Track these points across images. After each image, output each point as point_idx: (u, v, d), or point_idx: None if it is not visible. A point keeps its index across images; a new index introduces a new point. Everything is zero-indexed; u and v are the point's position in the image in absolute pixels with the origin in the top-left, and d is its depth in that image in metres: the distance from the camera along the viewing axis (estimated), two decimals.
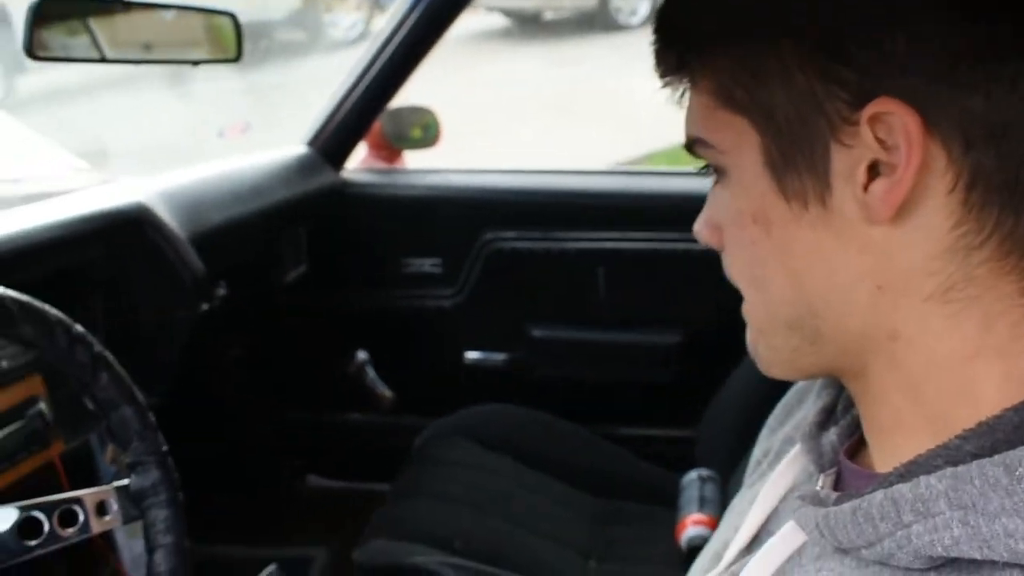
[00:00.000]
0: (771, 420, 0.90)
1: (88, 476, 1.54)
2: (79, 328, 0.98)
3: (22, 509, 0.96)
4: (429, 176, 2.38)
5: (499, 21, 9.91)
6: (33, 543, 0.97)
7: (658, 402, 2.21)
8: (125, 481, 1.03)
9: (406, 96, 2.24)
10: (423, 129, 2.35)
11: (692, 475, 1.74)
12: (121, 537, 1.61)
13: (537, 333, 2.24)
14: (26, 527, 0.96)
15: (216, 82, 6.79)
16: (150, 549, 1.02)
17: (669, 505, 1.73)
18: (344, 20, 9.12)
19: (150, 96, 6.73)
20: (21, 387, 1.41)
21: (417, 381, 2.36)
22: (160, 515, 1.03)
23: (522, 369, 2.28)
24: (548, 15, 9.84)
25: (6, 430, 1.35)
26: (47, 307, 0.95)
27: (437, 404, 2.16)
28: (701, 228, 0.68)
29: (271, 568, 1.65)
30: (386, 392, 2.33)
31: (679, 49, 0.64)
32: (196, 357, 1.80)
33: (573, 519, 1.81)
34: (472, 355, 2.31)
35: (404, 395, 2.36)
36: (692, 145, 0.65)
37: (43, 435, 1.40)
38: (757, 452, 0.89)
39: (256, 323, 2.25)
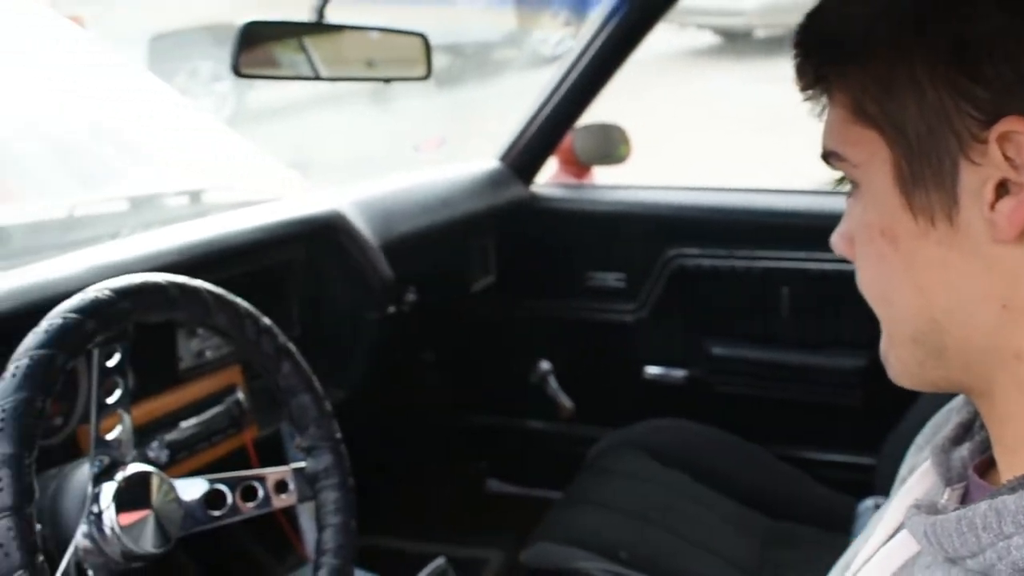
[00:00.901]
0: (919, 438, 0.89)
1: (277, 462, 1.65)
2: (266, 321, 1.08)
3: (211, 482, 1.07)
4: (616, 192, 2.41)
5: (710, 39, 9.84)
6: (217, 513, 1.07)
7: (838, 426, 2.16)
8: (302, 463, 1.12)
9: (607, 112, 2.28)
10: (613, 146, 2.39)
11: (869, 502, 1.70)
12: (305, 520, 1.73)
13: (717, 351, 2.24)
14: (212, 498, 1.06)
15: (418, 99, 7.06)
16: (320, 527, 1.11)
17: (843, 531, 1.69)
18: (552, 37, 9.28)
19: (355, 112, 7.06)
20: (222, 375, 1.55)
21: (596, 392, 2.39)
22: (331, 497, 1.11)
23: (701, 386, 2.27)
24: (759, 33, 9.70)
25: (207, 413, 1.48)
26: (239, 300, 1.05)
27: (615, 416, 2.19)
28: (837, 240, 0.69)
29: (439, 561, 1.72)
30: (566, 402, 2.38)
31: (817, 62, 0.65)
32: (388, 358, 1.90)
33: (742, 538, 1.80)
34: (652, 370, 2.33)
35: (583, 405, 2.39)
36: (828, 157, 0.67)
37: (239, 420, 1.53)
38: (903, 469, 0.89)
39: (444, 329, 2.34)
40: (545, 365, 2.41)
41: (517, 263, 2.34)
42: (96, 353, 0.96)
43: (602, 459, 2.01)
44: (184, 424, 1.45)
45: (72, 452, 1.24)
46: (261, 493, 1.09)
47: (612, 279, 2.32)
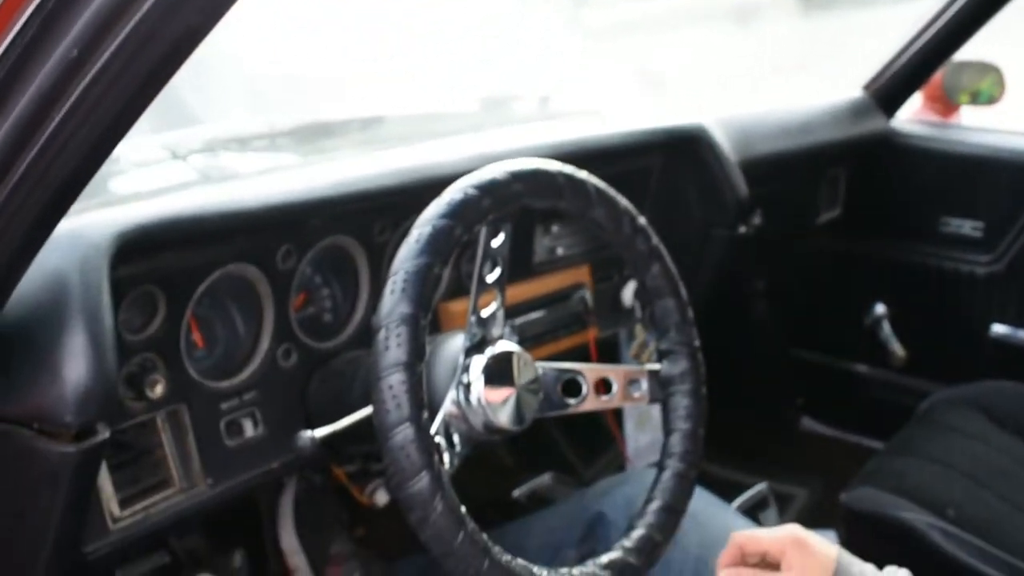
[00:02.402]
0: None
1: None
2: (642, 220, 1.10)
3: (567, 370, 1.11)
4: (984, 135, 2.24)
5: None
6: (572, 401, 1.11)
7: None
8: (657, 365, 1.14)
9: (979, 52, 2.13)
10: (985, 86, 2.22)
11: None
12: (630, 426, 1.77)
13: None
14: (569, 387, 1.10)
15: (783, 22, 6.81)
16: (668, 431, 1.13)
17: None
18: None
19: (714, 31, 6.90)
20: (571, 273, 1.60)
21: (932, 344, 2.26)
22: (682, 402, 1.12)
23: None
24: None
25: (555, 308, 1.54)
26: (619, 197, 1.08)
27: (950, 371, 2.08)
28: None
29: (761, 487, 1.73)
30: (899, 350, 2.27)
31: None
32: (724, 279, 1.89)
33: None
34: (999, 329, 2.17)
35: (916, 356, 2.28)
36: None
37: (583, 318, 1.58)
38: None
39: (783, 259, 2.29)
40: (880, 309, 2.31)
41: (866, 199, 2.24)
42: (483, 231, 1.01)
43: (934, 413, 1.92)
44: (534, 315, 1.51)
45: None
46: (615, 388, 1.12)
47: (968, 227, 2.17)
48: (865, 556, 1.42)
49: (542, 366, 1.07)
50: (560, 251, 1.61)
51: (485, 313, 1.04)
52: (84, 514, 1.02)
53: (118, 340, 1.00)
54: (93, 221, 1.00)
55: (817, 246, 2.31)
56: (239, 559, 1.61)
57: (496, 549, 0.92)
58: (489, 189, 0.97)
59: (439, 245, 0.93)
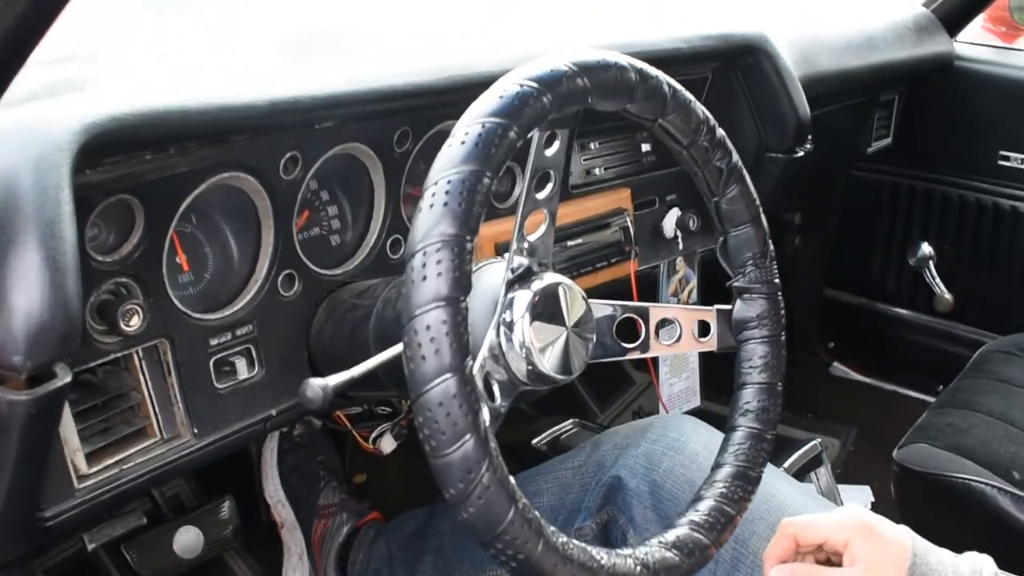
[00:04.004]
0: None
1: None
2: (721, 132, 0.91)
3: (623, 309, 0.93)
4: None
5: None
6: (629, 345, 0.94)
7: None
8: (727, 306, 0.96)
9: None
10: None
11: None
12: (665, 371, 1.60)
13: None
14: (624, 329, 0.92)
15: None
16: (740, 384, 0.95)
17: None
18: None
19: None
20: (611, 197, 1.41)
21: (984, 290, 2.11)
22: (759, 351, 0.95)
23: None
24: None
25: (593, 236, 1.35)
26: (697, 103, 0.88)
27: (1002, 320, 1.96)
28: None
29: (814, 442, 1.56)
30: (945, 294, 2.11)
31: None
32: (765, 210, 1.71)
33: None
34: None
35: (965, 302, 2.11)
36: None
37: (623, 249, 1.39)
38: None
39: (820, 190, 2.11)
40: (927, 249, 2.14)
41: (920, 127, 2.08)
42: (536, 137, 0.82)
43: (989, 364, 1.78)
44: (570, 243, 1.32)
45: None
46: (678, 331, 0.95)
47: None
48: (918, 518, 1.27)
49: (594, 304, 0.89)
50: (598, 172, 1.41)
51: (532, 237, 0.86)
52: (42, 472, 0.83)
53: (85, 262, 0.80)
54: (53, 112, 0.80)
55: (861, 178, 2.14)
56: (227, 510, 1.44)
57: (551, 530, 0.74)
58: (550, 83, 0.77)
59: (491, 150, 0.73)
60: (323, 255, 1.11)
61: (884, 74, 1.85)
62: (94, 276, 0.87)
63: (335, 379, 0.77)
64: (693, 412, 1.60)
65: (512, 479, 0.72)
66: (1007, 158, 2.02)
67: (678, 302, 1.53)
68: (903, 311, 2.24)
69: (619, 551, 0.79)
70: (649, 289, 1.50)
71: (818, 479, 1.49)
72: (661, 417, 1.24)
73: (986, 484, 1.43)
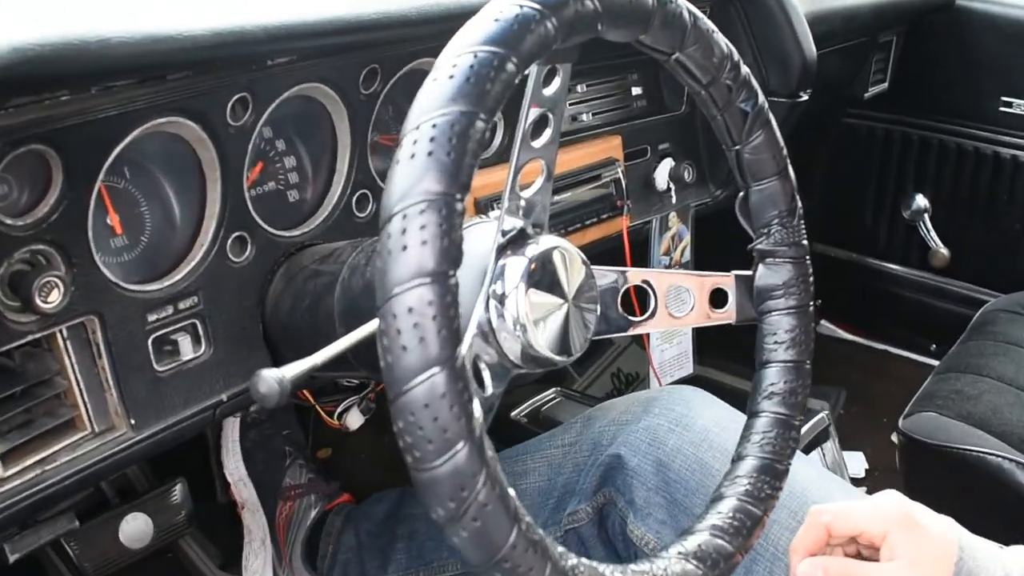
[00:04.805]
0: None
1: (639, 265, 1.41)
2: (746, 70, 0.77)
3: (627, 276, 0.80)
4: None
5: None
6: (636, 319, 0.82)
7: None
8: (747, 271, 0.83)
9: None
10: None
11: None
12: (655, 338, 1.48)
13: None
14: (629, 298, 0.80)
15: None
16: (763, 362, 0.83)
17: None
18: None
19: None
20: (599, 146, 1.28)
21: (982, 245, 2.01)
22: (784, 323, 0.82)
23: None
24: None
25: (582, 189, 1.22)
26: (720, 34, 0.75)
27: (999, 276, 1.87)
28: None
29: (822, 414, 1.46)
30: (941, 248, 2.01)
31: None
32: None
33: None
34: None
35: (961, 258, 2.02)
36: None
37: (615, 203, 1.26)
38: None
39: (813, 137, 1.99)
40: (922, 201, 2.04)
41: (918, 72, 1.98)
42: (534, 72, 0.68)
43: (994, 325, 1.68)
44: (556, 197, 1.19)
45: None
46: (691, 302, 0.82)
47: None
48: (927, 490, 1.17)
49: (596, 271, 0.76)
50: (586, 118, 1.28)
51: (527, 193, 0.72)
52: None
53: None
54: None
55: (853, 125, 2.03)
56: (179, 493, 1.31)
57: (559, 551, 0.61)
58: (555, 6, 0.62)
59: (486, 85, 0.58)
60: (279, 214, 0.96)
61: (886, 12, 1.73)
62: (2, 243, 0.73)
63: (293, 369, 0.63)
64: (686, 380, 1.49)
65: (512, 491, 0.59)
66: (1009, 104, 1.92)
67: (670, 261, 1.41)
68: (896, 267, 2.14)
69: (634, 567, 0.67)
70: (640, 247, 1.37)
71: (824, 454, 1.38)
72: (664, 389, 1.12)
73: (1002, 457, 1.33)
